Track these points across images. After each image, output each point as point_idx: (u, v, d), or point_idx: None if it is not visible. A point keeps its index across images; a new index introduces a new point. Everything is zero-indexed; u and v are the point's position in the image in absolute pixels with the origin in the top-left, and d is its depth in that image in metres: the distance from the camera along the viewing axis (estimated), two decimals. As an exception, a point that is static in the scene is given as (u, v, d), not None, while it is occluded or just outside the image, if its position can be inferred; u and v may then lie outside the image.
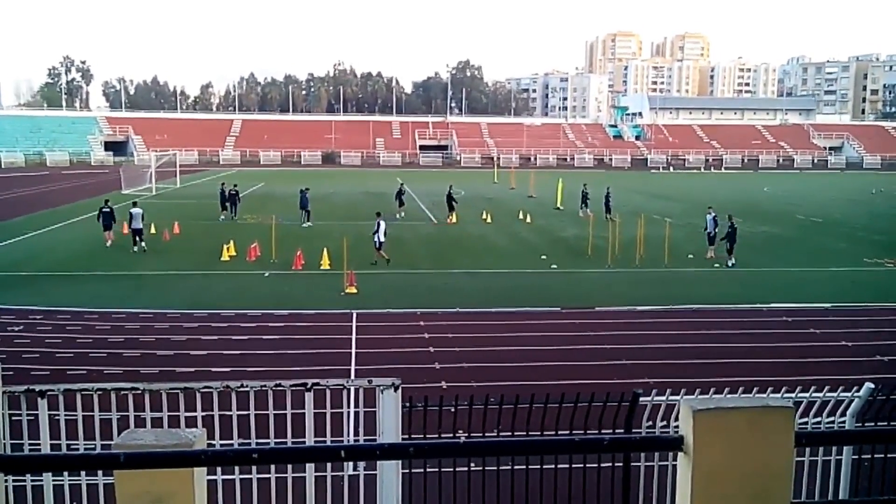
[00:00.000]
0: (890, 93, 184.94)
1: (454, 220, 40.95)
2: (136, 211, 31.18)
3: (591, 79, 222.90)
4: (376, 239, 27.97)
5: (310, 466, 6.23)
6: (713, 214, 29.92)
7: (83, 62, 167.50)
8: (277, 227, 31.11)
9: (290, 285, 24.84)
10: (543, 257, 29.85)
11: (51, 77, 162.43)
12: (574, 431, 7.24)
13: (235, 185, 44.89)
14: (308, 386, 6.08)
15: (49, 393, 6.07)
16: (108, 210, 31.84)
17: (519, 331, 19.09)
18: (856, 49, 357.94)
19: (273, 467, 6.36)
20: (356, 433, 7.44)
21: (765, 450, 2.75)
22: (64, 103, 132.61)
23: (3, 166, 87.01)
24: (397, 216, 41.70)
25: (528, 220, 41.37)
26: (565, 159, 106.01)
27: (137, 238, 30.69)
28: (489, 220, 41.35)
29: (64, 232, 35.92)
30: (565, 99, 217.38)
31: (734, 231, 28.26)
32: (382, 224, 28.11)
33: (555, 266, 28.20)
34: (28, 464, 3.10)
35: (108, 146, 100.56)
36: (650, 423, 7.53)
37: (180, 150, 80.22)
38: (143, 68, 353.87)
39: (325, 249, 27.92)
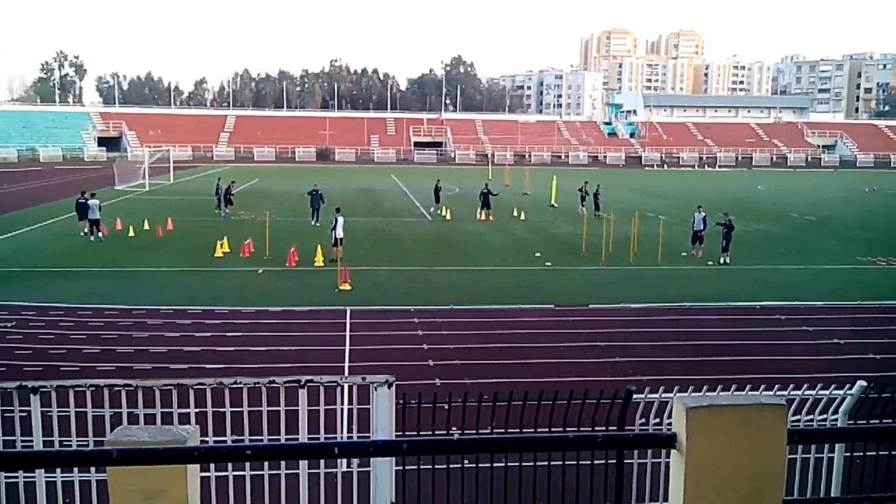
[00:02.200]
0: (883, 91, 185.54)
1: (491, 218, 40.72)
2: (93, 202, 32.45)
3: (585, 76, 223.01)
4: (333, 235, 27.78)
5: (303, 463, 6.23)
6: (703, 214, 29.92)
7: (76, 57, 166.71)
8: (271, 224, 31.06)
9: (283, 282, 24.81)
10: (538, 255, 29.86)
11: (44, 72, 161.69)
12: (567, 428, 7.26)
13: (220, 179, 44.97)
14: (302, 383, 6.08)
15: (42, 389, 6.05)
16: (83, 201, 33.08)
17: (513, 328, 19.10)
18: (850, 47, 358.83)
19: (266, 464, 6.36)
20: (350, 430, 7.44)
21: (757, 447, 2.75)
22: (57, 98, 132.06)
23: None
24: (432, 209, 43.21)
25: (523, 217, 41.39)
26: (560, 156, 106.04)
27: (94, 228, 32.16)
28: (483, 216, 41.31)
29: (57, 228, 35.79)
30: (560, 96, 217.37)
31: (731, 229, 28.33)
32: (341, 220, 27.95)
33: (549, 263, 28.22)
34: (20, 460, 3.09)
35: (102, 142, 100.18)
36: (643, 420, 7.56)
37: (174, 145, 79.96)
38: (136, 64, 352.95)
39: (318, 246, 27.89)
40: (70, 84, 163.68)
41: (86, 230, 32.68)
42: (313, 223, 36.88)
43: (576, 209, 43.09)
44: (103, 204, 34.54)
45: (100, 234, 32.28)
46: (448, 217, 41.33)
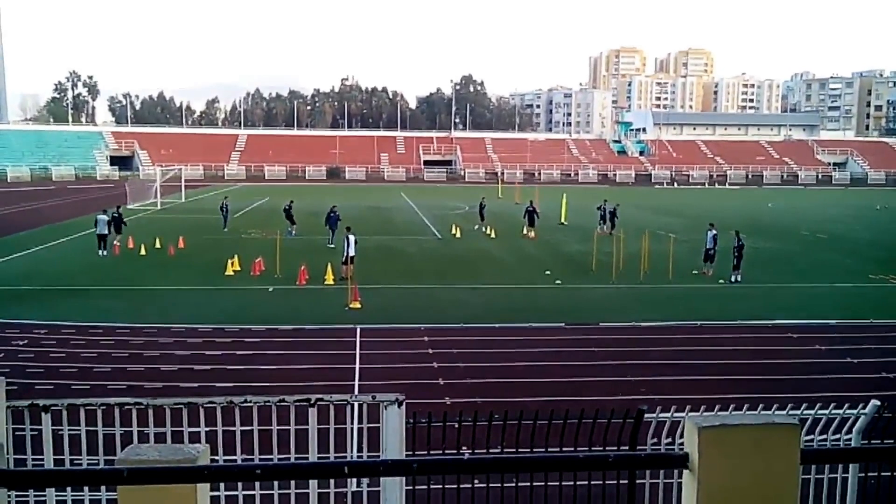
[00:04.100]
0: (894, 109, 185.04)
1: (532, 235, 40.97)
2: (102, 217, 33.43)
3: (594, 94, 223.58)
4: (345, 253, 27.68)
5: (313, 482, 6.21)
6: (714, 232, 29.81)
7: (90, 77, 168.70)
8: (282, 242, 31.14)
9: (294, 300, 24.84)
10: (548, 273, 29.82)
11: (57, 92, 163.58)
12: (579, 448, 7.21)
13: (226, 198, 45.32)
14: (312, 401, 6.07)
15: (53, 408, 6.07)
16: (117, 215, 35.18)
17: (523, 346, 19.04)
18: (860, 65, 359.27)
19: (276, 483, 6.34)
20: (360, 449, 7.42)
21: (770, 467, 2.73)
22: (70, 118, 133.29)
23: (8, 181, 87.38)
24: (475, 227, 43.58)
25: (532, 235, 41.37)
26: (569, 175, 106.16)
27: (102, 244, 32.93)
28: (493, 235, 41.36)
29: (68, 246, 36.01)
30: (569, 114, 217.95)
31: (741, 247, 28.21)
32: (353, 238, 27.97)
33: (559, 281, 28.17)
34: (31, 479, 3.10)
35: (114, 161, 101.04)
36: (655, 439, 7.50)
37: (185, 164, 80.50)
38: (149, 83, 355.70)
39: (328, 264, 27.94)
40: (83, 104, 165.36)
41: (116, 242, 34.11)
42: (329, 244, 36.15)
43: (597, 228, 42.25)
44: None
45: (105, 251, 32.84)
46: (458, 235, 41.35)
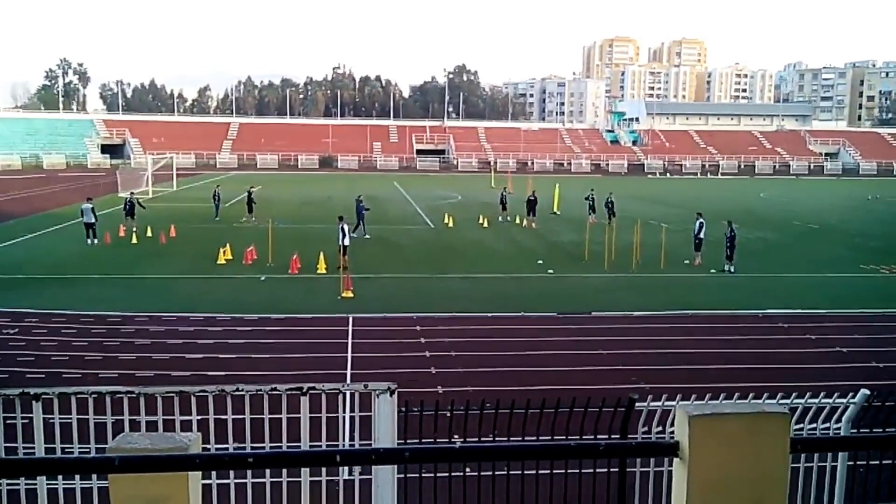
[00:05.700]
0: (886, 99, 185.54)
1: (534, 225, 40.93)
2: (87, 206, 33.13)
3: (588, 84, 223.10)
4: (340, 243, 27.71)
5: (305, 471, 6.22)
6: (701, 220, 29.87)
7: (80, 65, 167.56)
8: (274, 231, 31.08)
9: (286, 289, 24.81)
10: (540, 262, 29.85)
11: (48, 79, 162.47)
12: (570, 437, 7.24)
13: (218, 186, 45.26)
14: (304, 390, 6.07)
15: (44, 396, 6.05)
16: (131, 201, 36.76)
17: (515, 336, 19.08)
18: (852, 56, 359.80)
19: (268, 472, 6.35)
20: (352, 438, 7.43)
21: (760, 456, 2.75)
22: (61, 106, 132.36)
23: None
24: (499, 218, 43.33)
25: (525, 224, 41.39)
26: (562, 164, 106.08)
27: (90, 232, 32.93)
28: (486, 224, 41.36)
29: (60, 235, 35.86)
30: (562, 104, 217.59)
31: (734, 237, 28.28)
32: (346, 227, 27.92)
33: (551, 271, 28.20)
34: (22, 467, 3.09)
35: (105, 149, 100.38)
36: (646, 428, 7.53)
37: (177, 153, 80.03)
38: (140, 71, 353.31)
39: (321, 253, 27.90)
40: (74, 91, 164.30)
41: (134, 228, 34.89)
42: (365, 236, 35.81)
43: (588, 218, 42.17)
44: (108, 211, 34.79)
45: (96, 239, 32.78)
46: (451, 224, 41.33)
